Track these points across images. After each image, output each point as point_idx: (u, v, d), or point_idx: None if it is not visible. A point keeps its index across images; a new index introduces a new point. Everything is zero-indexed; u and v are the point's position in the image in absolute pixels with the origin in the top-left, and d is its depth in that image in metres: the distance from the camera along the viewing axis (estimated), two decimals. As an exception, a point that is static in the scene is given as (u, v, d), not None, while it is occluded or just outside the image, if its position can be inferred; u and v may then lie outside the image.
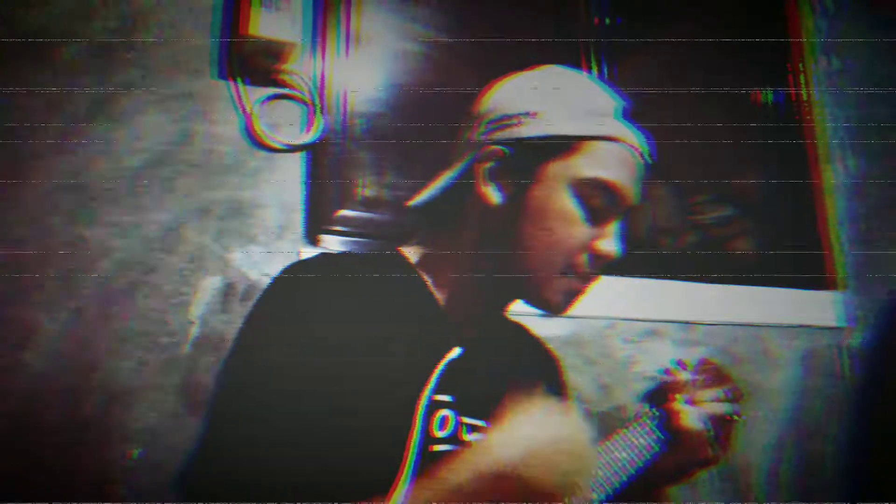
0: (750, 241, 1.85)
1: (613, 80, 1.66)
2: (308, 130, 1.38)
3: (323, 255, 0.77)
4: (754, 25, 1.95)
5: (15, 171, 1.17)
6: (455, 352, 0.77)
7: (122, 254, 1.21)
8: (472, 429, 0.76)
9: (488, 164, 0.78)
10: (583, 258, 0.76)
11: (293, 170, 1.36)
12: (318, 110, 1.39)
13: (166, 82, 1.30)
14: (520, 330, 0.96)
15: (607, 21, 1.75)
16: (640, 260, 1.59)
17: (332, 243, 1.35)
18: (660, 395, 0.88)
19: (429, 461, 0.65)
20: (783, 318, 1.72)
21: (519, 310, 0.84)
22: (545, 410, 0.63)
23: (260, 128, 1.34)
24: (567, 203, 0.75)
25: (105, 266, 1.19)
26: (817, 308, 1.78)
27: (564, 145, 0.75)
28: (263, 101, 1.36)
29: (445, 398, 0.74)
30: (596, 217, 0.76)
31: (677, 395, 0.87)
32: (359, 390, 0.67)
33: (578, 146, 0.75)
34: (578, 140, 0.75)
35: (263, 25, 1.28)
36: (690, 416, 0.85)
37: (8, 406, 1.09)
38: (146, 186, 1.25)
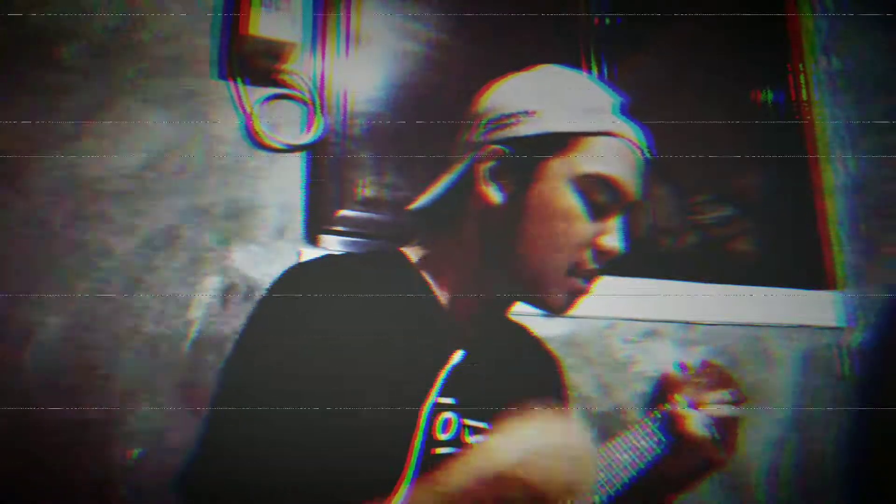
0: (750, 241, 1.85)
1: (613, 80, 1.66)
2: (308, 130, 1.38)
3: (327, 256, 0.77)
4: (754, 26, 1.95)
5: (15, 170, 1.17)
6: (458, 355, 0.77)
7: (123, 254, 1.21)
8: (475, 431, 0.76)
9: (488, 164, 0.78)
10: (586, 255, 0.76)
11: (293, 170, 1.36)
12: (318, 110, 1.39)
13: (166, 82, 1.30)
14: (521, 331, 0.96)
15: (607, 21, 1.75)
16: (640, 260, 1.59)
17: (333, 243, 1.35)
18: (662, 398, 0.88)
19: (431, 464, 0.65)
20: (783, 318, 1.72)
21: (520, 310, 0.84)
22: (546, 414, 0.63)
23: (260, 128, 1.34)
24: (568, 200, 0.75)
25: (105, 266, 1.19)
26: (817, 308, 1.78)
27: (563, 142, 0.75)
28: (263, 101, 1.36)
29: (448, 401, 0.74)
30: (598, 213, 0.76)
31: (679, 398, 0.87)
32: (360, 391, 0.67)
33: (577, 143, 0.75)
34: (577, 136, 0.75)
35: (263, 25, 1.28)
36: (693, 419, 0.85)
37: (8, 406, 1.09)
38: (146, 186, 1.25)
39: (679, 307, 1.63)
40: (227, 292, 1.26)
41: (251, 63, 1.34)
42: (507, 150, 0.77)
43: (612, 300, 1.53)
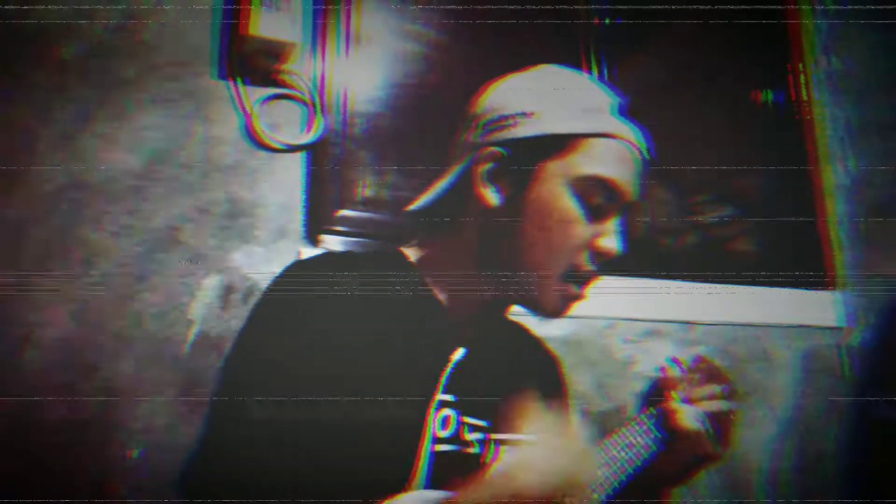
0: (750, 241, 1.85)
1: (613, 80, 1.66)
2: (308, 130, 1.38)
3: (326, 254, 0.77)
4: (754, 26, 1.95)
5: (15, 170, 1.17)
6: (459, 352, 0.77)
7: (123, 254, 1.21)
8: (474, 429, 0.76)
9: (486, 166, 0.78)
10: (584, 256, 0.76)
11: (293, 170, 1.36)
12: (318, 110, 1.39)
13: (166, 82, 1.30)
14: (520, 330, 0.96)
15: (607, 21, 1.75)
16: (640, 260, 1.59)
17: (333, 243, 1.35)
18: (656, 394, 0.88)
19: (432, 461, 0.65)
20: (783, 318, 1.72)
21: (519, 311, 0.84)
22: (544, 419, 0.63)
23: (260, 128, 1.34)
24: (566, 202, 0.74)
25: (105, 266, 1.19)
26: (817, 308, 1.78)
27: (561, 144, 0.75)
28: (263, 101, 1.36)
29: (447, 398, 0.74)
30: (595, 215, 0.75)
31: (674, 394, 0.87)
32: (359, 390, 0.67)
33: (575, 144, 0.75)
34: (575, 138, 0.75)
35: (263, 25, 1.28)
36: (687, 414, 0.85)
37: (8, 406, 1.09)
38: (146, 186, 1.25)
39: (679, 307, 1.63)
40: (227, 292, 1.26)
41: (251, 63, 1.34)
42: (504, 152, 0.77)
43: (612, 300, 1.53)
